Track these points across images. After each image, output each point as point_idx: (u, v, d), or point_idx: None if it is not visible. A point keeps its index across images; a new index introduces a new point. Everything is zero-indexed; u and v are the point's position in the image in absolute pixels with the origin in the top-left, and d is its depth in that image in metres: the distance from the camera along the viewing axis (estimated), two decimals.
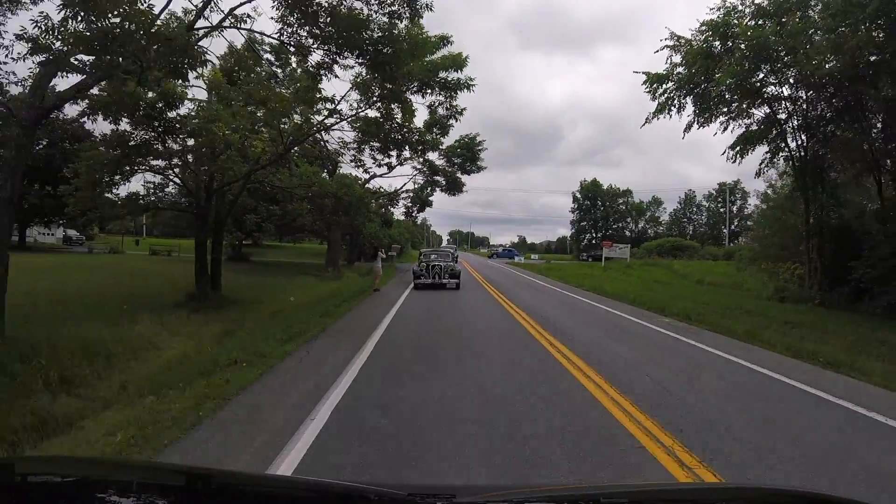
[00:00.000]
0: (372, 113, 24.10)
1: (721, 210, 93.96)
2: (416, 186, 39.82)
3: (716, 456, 5.48)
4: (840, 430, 6.65)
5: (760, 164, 25.10)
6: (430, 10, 12.96)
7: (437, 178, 37.24)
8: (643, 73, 23.63)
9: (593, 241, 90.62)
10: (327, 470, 4.99)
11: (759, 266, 29.88)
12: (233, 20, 13.08)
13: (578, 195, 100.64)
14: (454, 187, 37.63)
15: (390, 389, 7.88)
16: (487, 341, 12.35)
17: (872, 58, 17.53)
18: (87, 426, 6.62)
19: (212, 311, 16.17)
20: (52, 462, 2.61)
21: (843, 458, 5.68)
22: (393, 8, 12.76)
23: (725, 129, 23.61)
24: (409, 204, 42.61)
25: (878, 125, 20.90)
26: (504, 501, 1.96)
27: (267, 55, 19.14)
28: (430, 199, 42.24)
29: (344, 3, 12.53)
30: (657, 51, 22.74)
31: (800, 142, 22.88)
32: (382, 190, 39.05)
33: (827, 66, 17.94)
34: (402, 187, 39.32)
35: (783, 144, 23.62)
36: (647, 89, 23.28)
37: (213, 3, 12.17)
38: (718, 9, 21.15)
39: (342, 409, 6.84)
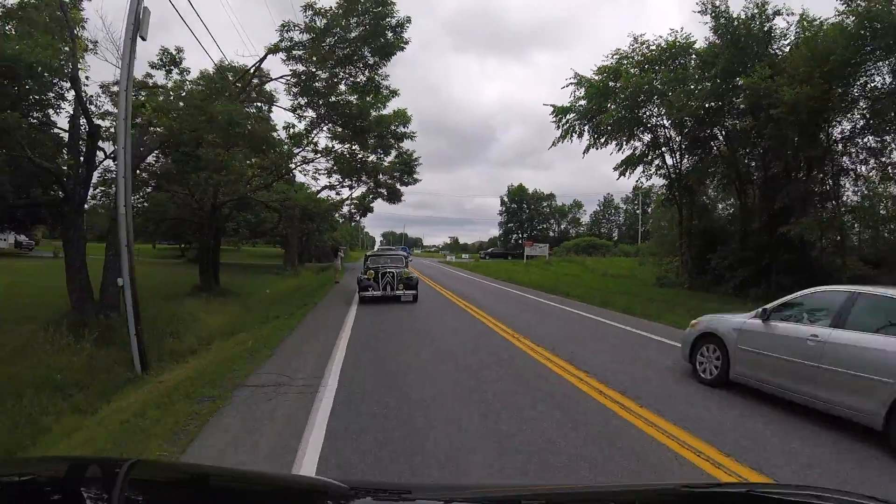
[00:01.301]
0: (342, 149, 29.46)
1: (637, 211, 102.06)
2: (360, 195, 44.66)
3: (573, 357, 10.74)
4: (633, 344, 12.36)
5: (637, 181, 31.81)
6: (397, 95, 19.42)
7: (381, 189, 41.88)
8: (550, 105, 29.92)
9: (520, 241, 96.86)
10: (358, 354, 10.31)
11: (652, 260, 36.27)
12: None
13: (506, 199, 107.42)
14: (394, 197, 42.35)
15: (374, 326, 13.86)
16: (433, 313, 17.81)
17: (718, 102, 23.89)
18: (213, 348, 11.65)
19: (220, 298, 21.00)
20: (37, 463, 2.60)
21: (629, 353, 11.25)
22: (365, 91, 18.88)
23: (620, 149, 29.71)
24: (353, 210, 47.54)
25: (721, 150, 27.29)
26: (462, 500, 1.96)
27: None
28: (372, 205, 47.17)
29: (335, 92, 18.36)
30: (563, 87, 29.14)
31: (672, 161, 29.18)
32: (330, 199, 43.77)
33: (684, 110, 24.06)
34: (348, 197, 44.05)
35: (661, 163, 29.81)
36: (553, 119, 29.38)
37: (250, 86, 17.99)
38: (613, 55, 27.64)
39: (353, 333, 12.78)
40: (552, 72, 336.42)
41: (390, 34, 17.55)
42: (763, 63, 21.44)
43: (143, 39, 9.82)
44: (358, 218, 50.45)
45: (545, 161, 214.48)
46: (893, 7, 18.40)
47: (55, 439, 7.25)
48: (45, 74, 11.53)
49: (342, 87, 19.30)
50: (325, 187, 39.54)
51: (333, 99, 19.46)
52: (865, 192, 23.23)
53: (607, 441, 6.04)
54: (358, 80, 18.91)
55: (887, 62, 20.02)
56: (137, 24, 9.76)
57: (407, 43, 18.26)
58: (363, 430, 6.30)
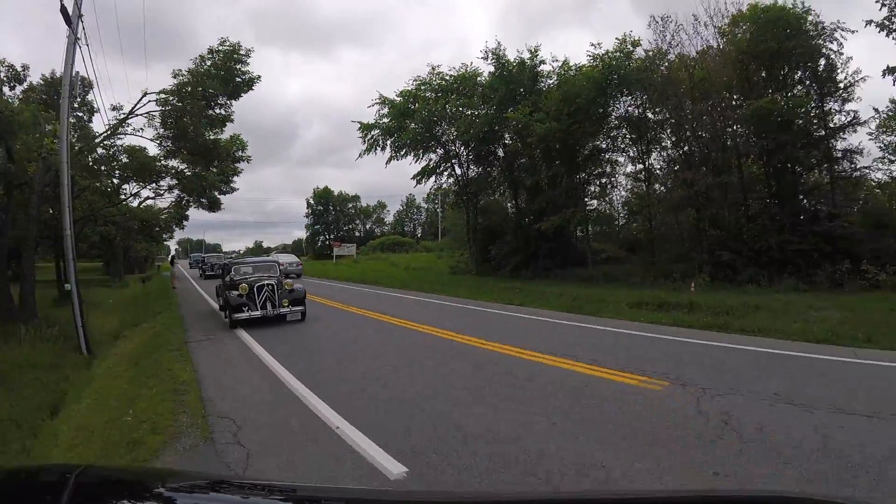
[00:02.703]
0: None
1: (438, 210, 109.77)
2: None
3: (388, 312, 15.93)
4: (414, 303, 17.87)
5: (431, 188, 38.53)
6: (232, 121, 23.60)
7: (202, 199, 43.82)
8: (358, 122, 35.38)
9: (327, 243, 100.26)
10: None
11: (449, 254, 43.06)
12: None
13: (312, 201, 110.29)
14: (214, 206, 44.35)
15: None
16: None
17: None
18: (128, 336, 15.30)
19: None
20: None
21: (412, 307, 16.73)
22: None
23: (417, 160, 35.66)
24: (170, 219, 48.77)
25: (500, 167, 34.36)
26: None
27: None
28: (188, 213, 48.64)
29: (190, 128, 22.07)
30: (369, 105, 34.77)
31: (461, 172, 35.79)
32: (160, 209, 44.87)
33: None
34: (167, 207, 45.27)
35: (452, 172, 36.31)
36: (360, 135, 34.74)
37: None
38: (414, 80, 33.77)
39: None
40: (357, 69, 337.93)
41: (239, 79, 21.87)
42: (528, 101, 28.53)
43: (76, 97, 13.33)
44: (175, 228, 51.34)
45: (348, 160, 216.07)
46: (629, 62, 26.20)
47: (89, 377, 10.76)
48: None
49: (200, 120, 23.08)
50: (146, 198, 41.06)
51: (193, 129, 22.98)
52: (604, 199, 31.84)
53: (391, 333, 11.45)
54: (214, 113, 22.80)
55: (623, 101, 28.14)
56: (73, 87, 13.23)
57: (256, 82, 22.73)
58: (283, 343, 11.13)
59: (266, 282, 15.13)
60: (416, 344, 11.66)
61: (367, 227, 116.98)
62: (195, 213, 40.17)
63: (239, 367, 10.05)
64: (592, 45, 28.05)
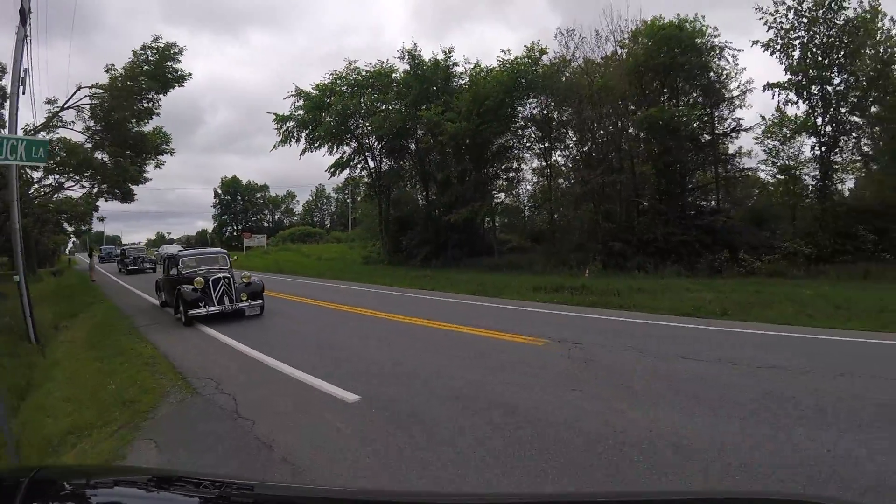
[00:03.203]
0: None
1: (348, 200, 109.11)
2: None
3: (308, 295, 16.85)
4: (331, 289, 18.92)
5: (345, 180, 39.11)
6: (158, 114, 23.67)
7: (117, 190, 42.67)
8: (274, 114, 35.57)
9: (235, 233, 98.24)
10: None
11: (361, 244, 43.92)
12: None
13: (219, 190, 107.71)
14: (127, 197, 43.23)
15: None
16: None
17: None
18: (72, 325, 15.48)
19: None
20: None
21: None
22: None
23: (331, 152, 36.25)
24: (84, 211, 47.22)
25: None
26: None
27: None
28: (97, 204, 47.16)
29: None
30: (285, 97, 35.14)
31: (374, 165, 36.76)
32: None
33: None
34: (79, 198, 43.74)
35: (365, 165, 37.22)
36: (276, 126, 35.05)
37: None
38: (330, 74, 34.65)
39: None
40: (268, 53, 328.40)
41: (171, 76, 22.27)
42: (441, 100, 29.89)
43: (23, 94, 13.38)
44: (92, 219, 49.50)
45: (255, 147, 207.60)
46: (536, 67, 28.22)
47: (52, 361, 11.07)
48: None
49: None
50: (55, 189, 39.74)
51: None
52: (510, 193, 33.75)
53: (321, 310, 12.57)
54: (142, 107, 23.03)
55: (529, 102, 30.09)
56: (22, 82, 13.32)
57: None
58: (230, 323, 12.10)
59: (221, 275, 13.61)
60: (346, 317, 13.67)
61: (276, 217, 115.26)
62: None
63: (196, 343, 10.91)
64: (503, 51, 30.32)
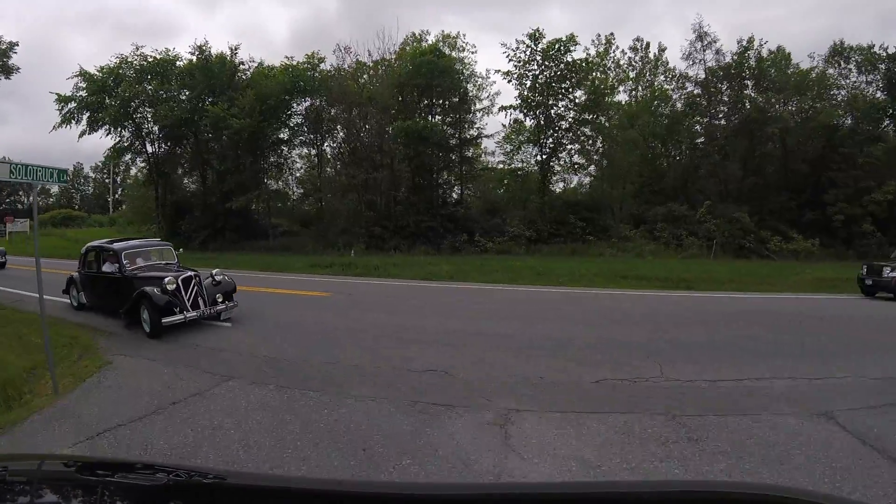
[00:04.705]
0: None
1: (106, 180, 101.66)
2: None
3: None
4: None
5: (123, 166, 39.85)
6: None
7: None
8: (56, 93, 35.39)
9: None
10: None
11: (135, 228, 44.24)
12: None
13: None
14: None
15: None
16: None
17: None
18: None
19: None
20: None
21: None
22: None
23: (108, 135, 36.85)
24: None
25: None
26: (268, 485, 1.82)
27: None
28: None
29: None
30: (69, 78, 36.55)
31: (153, 150, 37.96)
32: None
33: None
34: None
35: (143, 149, 38.21)
36: (57, 108, 35.15)
37: None
38: (116, 57, 35.66)
39: None
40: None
41: None
42: (226, 95, 32.82)
43: None
44: None
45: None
46: (313, 72, 32.80)
47: None
48: None
49: None
50: None
51: None
52: (281, 181, 37.41)
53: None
54: None
55: (305, 101, 34.53)
56: None
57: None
58: None
59: (189, 272, 10.88)
60: None
61: (30, 199, 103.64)
62: None
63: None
64: (287, 57, 34.64)
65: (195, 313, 10.29)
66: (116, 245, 11.77)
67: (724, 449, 4.62)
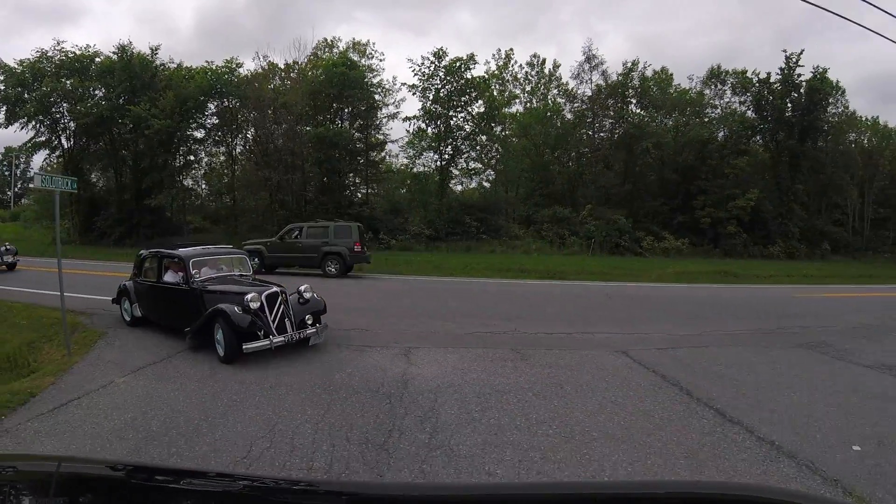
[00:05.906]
0: None
1: (6, 173, 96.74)
2: None
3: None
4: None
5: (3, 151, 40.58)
6: None
7: None
8: None
9: None
10: None
11: (45, 224, 44.21)
12: None
13: None
14: None
15: None
16: None
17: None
18: None
19: None
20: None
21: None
22: None
23: (23, 129, 37.39)
24: None
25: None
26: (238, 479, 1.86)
27: None
28: None
29: None
30: None
31: (69, 145, 38.68)
32: None
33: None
34: None
35: (59, 144, 38.88)
36: None
37: None
38: (36, 52, 36.47)
39: None
40: None
41: None
42: (147, 95, 34.32)
43: None
44: None
45: None
46: (230, 75, 34.78)
47: None
48: None
49: None
50: None
51: None
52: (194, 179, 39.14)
53: None
54: None
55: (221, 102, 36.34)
56: None
57: None
58: None
59: (275, 288, 8.85)
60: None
61: None
62: None
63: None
64: (207, 62, 36.52)
65: (282, 338, 8.22)
66: (183, 251, 9.82)
67: (544, 363, 7.70)
